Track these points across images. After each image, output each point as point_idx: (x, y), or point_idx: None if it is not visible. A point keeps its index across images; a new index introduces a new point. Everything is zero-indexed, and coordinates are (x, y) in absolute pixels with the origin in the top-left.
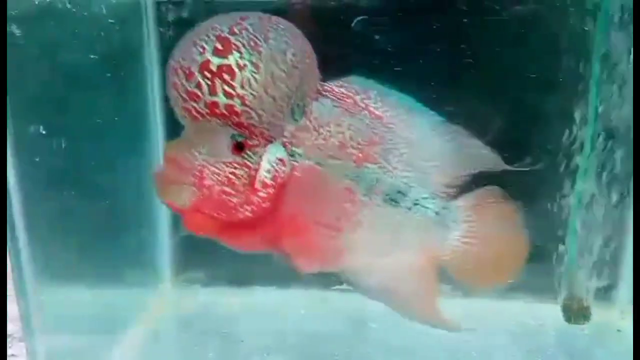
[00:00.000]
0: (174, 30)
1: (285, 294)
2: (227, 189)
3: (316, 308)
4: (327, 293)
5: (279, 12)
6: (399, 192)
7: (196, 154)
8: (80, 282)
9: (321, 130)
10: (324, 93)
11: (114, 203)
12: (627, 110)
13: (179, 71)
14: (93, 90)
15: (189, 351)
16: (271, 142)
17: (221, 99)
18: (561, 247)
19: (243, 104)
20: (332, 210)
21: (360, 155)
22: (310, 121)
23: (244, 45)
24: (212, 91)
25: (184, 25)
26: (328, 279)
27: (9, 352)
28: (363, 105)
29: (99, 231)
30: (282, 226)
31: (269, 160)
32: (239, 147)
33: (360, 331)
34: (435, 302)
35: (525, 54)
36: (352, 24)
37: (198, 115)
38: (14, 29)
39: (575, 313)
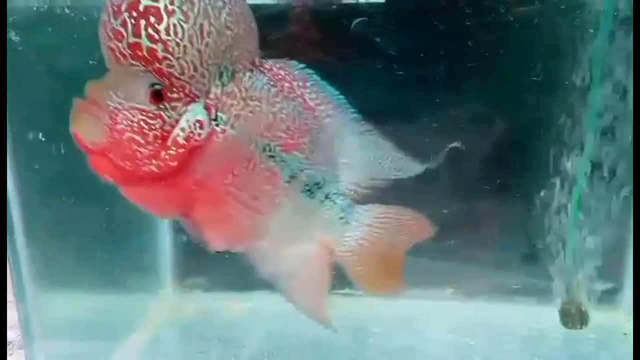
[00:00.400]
0: None
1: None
2: (137, 138)
3: None
4: (330, 297)
5: (281, 14)
6: (316, 184)
7: (113, 95)
8: (81, 288)
9: (250, 102)
10: (262, 69)
11: (114, 208)
12: (628, 110)
13: (109, 8)
14: None
15: (190, 357)
16: (195, 101)
17: (144, 42)
18: (561, 251)
19: (165, 49)
20: (252, 189)
21: (290, 141)
22: (240, 90)
23: None
24: (136, 32)
25: None
26: (330, 284)
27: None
28: (299, 93)
29: (100, 237)
30: (195, 192)
31: (187, 119)
32: (156, 96)
33: (362, 336)
34: (323, 295)
35: (525, 56)
36: (352, 26)
37: (121, 56)
38: (12, 35)
39: (573, 317)
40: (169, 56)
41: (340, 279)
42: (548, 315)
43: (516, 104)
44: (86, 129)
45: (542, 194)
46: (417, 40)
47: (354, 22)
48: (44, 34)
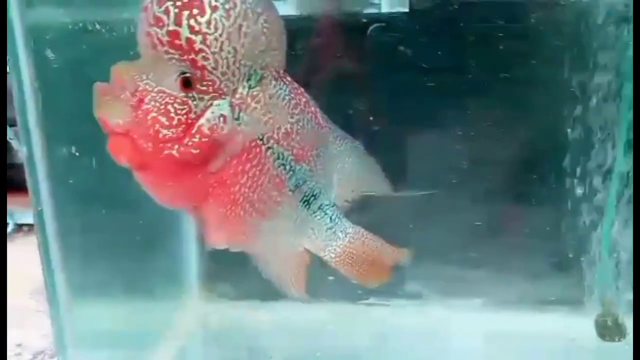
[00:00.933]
0: None
1: (313, 309)
2: (162, 119)
3: (344, 323)
4: (355, 307)
5: (304, 27)
6: (313, 195)
7: (143, 76)
8: (108, 297)
9: (272, 109)
10: (285, 81)
11: (142, 218)
12: None
13: None
14: None
15: None
16: (221, 97)
17: (184, 31)
18: (596, 261)
19: (204, 42)
20: (262, 193)
21: (301, 152)
22: (265, 95)
23: None
24: (177, 20)
25: None
26: (355, 294)
27: None
28: (312, 109)
29: (128, 246)
30: (209, 186)
31: (212, 111)
32: (186, 83)
33: (388, 347)
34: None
35: (553, 65)
36: (369, 30)
37: (158, 43)
38: (48, 52)
39: (610, 329)
40: (206, 49)
41: (364, 289)
42: (582, 326)
43: (547, 113)
44: (111, 112)
45: (575, 203)
46: (441, 49)
47: (370, 28)
48: (78, 50)
